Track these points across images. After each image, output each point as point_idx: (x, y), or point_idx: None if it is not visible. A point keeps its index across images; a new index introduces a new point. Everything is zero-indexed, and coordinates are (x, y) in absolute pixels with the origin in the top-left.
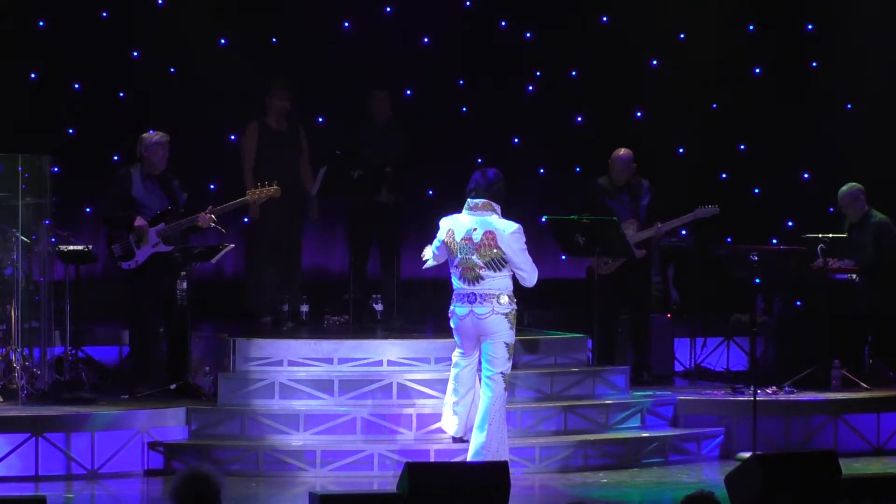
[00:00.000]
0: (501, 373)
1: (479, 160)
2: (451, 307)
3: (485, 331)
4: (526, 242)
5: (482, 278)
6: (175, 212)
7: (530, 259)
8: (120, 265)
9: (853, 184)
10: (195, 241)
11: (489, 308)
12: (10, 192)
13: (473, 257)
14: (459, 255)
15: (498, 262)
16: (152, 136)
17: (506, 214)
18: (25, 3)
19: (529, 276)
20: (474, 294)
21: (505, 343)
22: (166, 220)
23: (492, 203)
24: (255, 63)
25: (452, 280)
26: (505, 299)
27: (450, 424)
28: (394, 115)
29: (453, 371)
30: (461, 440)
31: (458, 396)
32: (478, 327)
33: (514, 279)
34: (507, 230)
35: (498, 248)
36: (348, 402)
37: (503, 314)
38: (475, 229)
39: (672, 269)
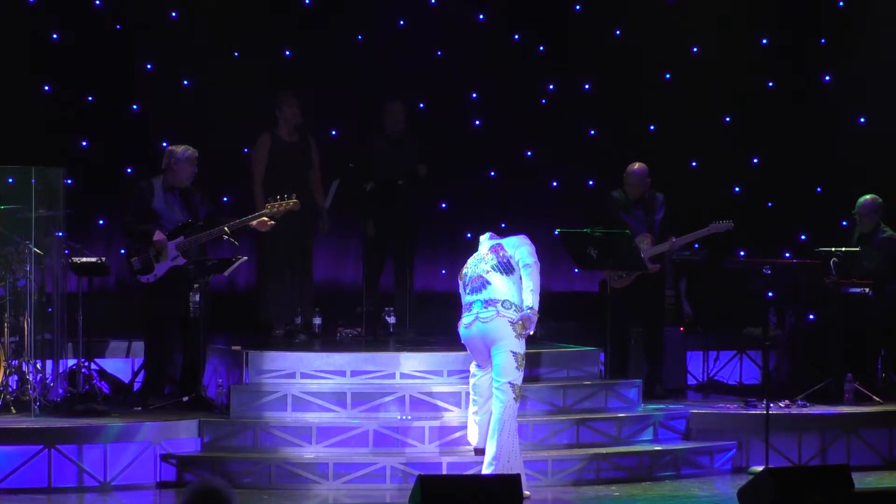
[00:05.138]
0: (510, 382)
1: (492, 173)
2: (459, 322)
3: (490, 336)
4: (536, 252)
5: (489, 283)
6: (194, 225)
7: (534, 253)
8: (139, 279)
9: (877, 196)
10: (209, 253)
11: (493, 311)
12: (24, 205)
13: (480, 266)
14: (470, 272)
15: (504, 265)
16: (183, 151)
17: (518, 226)
18: (39, 16)
19: (528, 257)
20: (480, 301)
21: (512, 352)
22: (185, 233)
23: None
24: (267, 76)
25: (462, 300)
26: (510, 305)
27: (472, 435)
28: (407, 128)
29: (471, 381)
30: (482, 451)
31: (477, 406)
32: (483, 333)
33: (523, 293)
34: (513, 237)
35: (504, 250)
36: (361, 414)
37: (508, 320)
38: (482, 247)
39: (685, 283)
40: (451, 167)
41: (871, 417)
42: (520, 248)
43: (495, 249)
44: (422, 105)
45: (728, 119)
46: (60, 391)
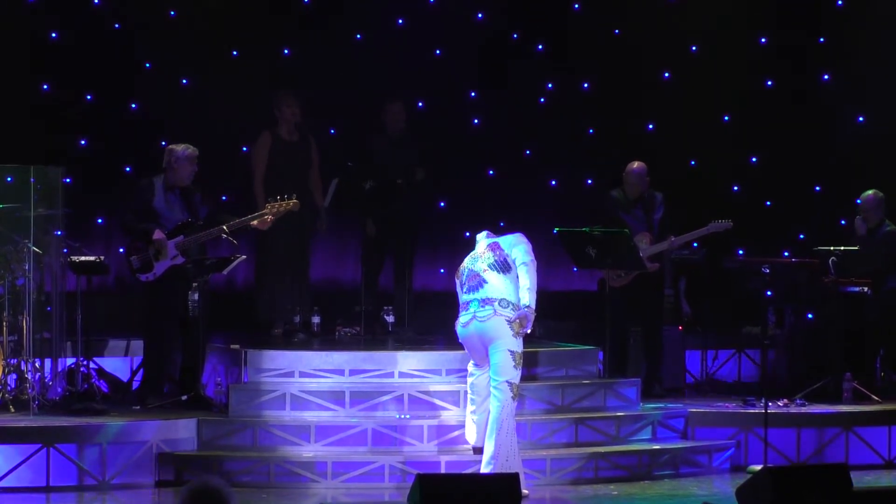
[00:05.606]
0: (508, 381)
1: (491, 172)
2: (456, 321)
3: (487, 335)
4: (534, 251)
5: (486, 282)
6: (194, 224)
7: (531, 251)
8: (138, 277)
9: (878, 191)
10: (208, 252)
11: (491, 310)
12: (23, 204)
13: (477, 264)
14: (466, 271)
15: (501, 264)
16: (184, 150)
17: (517, 225)
18: (39, 15)
19: (524, 255)
20: (477, 300)
21: (509, 350)
22: (185, 232)
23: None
24: (266, 75)
25: (459, 299)
26: (508, 304)
27: (470, 434)
28: (408, 128)
29: (468, 380)
30: (481, 450)
31: (475, 405)
32: (480, 332)
33: (520, 292)
34: (509, 236)
35: (500, 250)
36: (359, 413)
37: (506, 318)
38: (479, 245)
39: (684, 282)
40: (451, 166)
41: (869, 416)
42: (516, 247)
43: (492, 248)
44: (421, 104)
45: (727, 118)
46: (59, 390)
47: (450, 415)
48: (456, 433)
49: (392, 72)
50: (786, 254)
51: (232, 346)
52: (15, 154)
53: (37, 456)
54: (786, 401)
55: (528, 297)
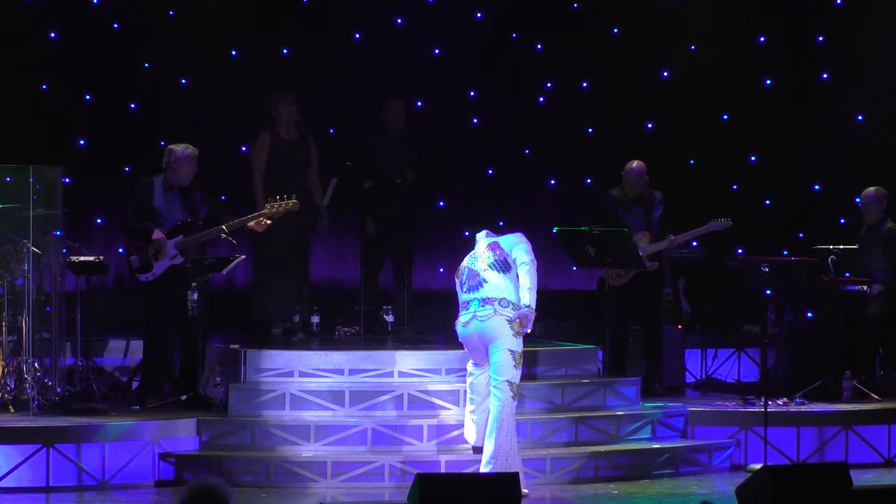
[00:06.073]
0: (508, 381)
1: (490, 171)
2: (456, 320)
3: (488, 334)
4: (534, 250)
5: (486, 281)
6: (193, 224)
7: (531, 251)
8: (137, 277)
9: (880, 187)
10: (207, 252)
11: (491, 310)
12: (22, 203)
13: (477, 264)
14: (466, 269)
15: (500, 264)
16: (183, 149)
17: (517, 224)
18: (37, 14)
19: (525, 255)
20: (477, 299)
21: (509, 350)
22: (184, 232)
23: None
24: (265, 74)
25: (459, 298)
26: (508, 304)
27: (469, 433)
28: (407, 126)
29: (468, 380)
30: (480, 449)
31: (474, 405)
32: (480, 332)
33: (520, 291)
34: (509, 235)
35: (500, 250)
36: (359, 412)
37: (506, 318)
38: (479, 245)
39: (683, 281)
40: (450, 166)
41: (869, 415)
42: (516, 246)
43: (492, 247)
44: (420, 103)
45: (726, 117)
46: (59, 390)
47: (449, 414)
48: (455, 433)
49: (392, 71)
50: (785, 252)
51: (231, 346)
52: (15, 154)
53: (37, 456)
54: (785, 399)
55: (528, 297)
